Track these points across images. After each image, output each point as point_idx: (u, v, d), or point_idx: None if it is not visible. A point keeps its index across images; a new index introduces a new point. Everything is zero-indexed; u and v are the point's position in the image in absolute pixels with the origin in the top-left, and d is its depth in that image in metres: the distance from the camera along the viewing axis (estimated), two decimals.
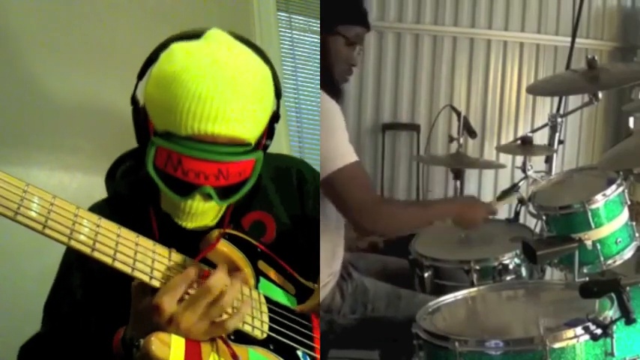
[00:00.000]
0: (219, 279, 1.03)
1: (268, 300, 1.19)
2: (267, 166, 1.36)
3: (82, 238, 0.97)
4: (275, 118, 1.24)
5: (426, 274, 1.76)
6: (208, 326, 1.03)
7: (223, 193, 1.16)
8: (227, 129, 1.09)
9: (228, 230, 1.21)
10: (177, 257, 1.09)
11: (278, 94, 1.24)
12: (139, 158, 1.26)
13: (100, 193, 1.38)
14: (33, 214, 0.93)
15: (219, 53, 1.13)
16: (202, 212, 1.21)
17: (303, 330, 1.21)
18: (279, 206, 1.37)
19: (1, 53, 1.82)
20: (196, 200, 1.17)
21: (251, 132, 1.15)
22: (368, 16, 1.66)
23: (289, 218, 1.37)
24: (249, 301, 1.11)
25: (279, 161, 1.43)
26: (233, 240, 1.20)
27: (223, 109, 1.09)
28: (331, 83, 1.60)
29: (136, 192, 1.27)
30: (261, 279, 1.21)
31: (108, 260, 0.99)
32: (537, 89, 2.35)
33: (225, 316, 1.05)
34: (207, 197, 1.15)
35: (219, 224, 1.27)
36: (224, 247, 1.18)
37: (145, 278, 1.02)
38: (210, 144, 1.09)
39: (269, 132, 1.23)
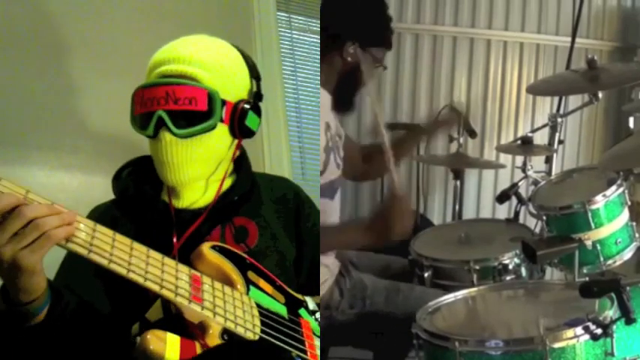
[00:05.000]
0: (34, 208, 0.96)
1: (259, 307, 1.21)
2: (266, 186, 1.47)
3: (80, 241, 1.01)
4: (258, 95, 1.40)
5: (425, 274, 1.76)
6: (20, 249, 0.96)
7: (178, 121, 1.25)
8: (177, 68, 1.26)
9: (218, 243, 1.26)
10: (169, 262, 1.12)
11: (255, 76, 1.40)
12: (142, 163, 1.37)
13: (100, 192, 1.38)
14: None
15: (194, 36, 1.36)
16: (179, 166, 1.27)
17: (294, 334, 1.22)
18: (275, 223, 1.42)
19: (1, 54, 1.82)
20: (161, 140, 1.25)
21: (206, 75, 1.27)
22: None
23: (286, 235, 1.42)
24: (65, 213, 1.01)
25: (276, 183, 1.53)
26: (223, 252, 1.24)
27: (176, 52, 1.28)
28: (350, 98, 1.66)
29: (141, 186, 1.34)
30: (252, 288, 1.24)
31: (104, 262, 1.02)
32: (537, 89, 2.35)
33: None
34: (163, 125, 1.24)
35: (209, 210, 1.31)
36: (215, 258, 1.22)
37: (140, 280, 1.05)
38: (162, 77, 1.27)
39: (254, 108, 1.35)
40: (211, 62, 1.30)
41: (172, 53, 1.29)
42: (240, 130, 1.33)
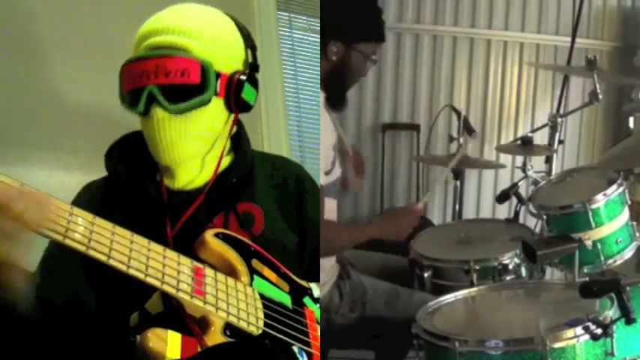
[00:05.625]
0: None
1: (263, 297, 1.20)
2: (264, 165, 1.40)
3: (77, 236, 0.98)
4: (253, 66, 1.32)
5: (425, 274, 1.76)
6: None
7: (170, 96, 1.19)
8: (166, 39, 1.20)
9: (222, 230, 1.22)
10: (171, 254, 1.10)
11: (250, 46, 1.33)
12: (136, 139, 1.30)
13: None
14: None
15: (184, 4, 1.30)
16: (173, 144, 1.22)
17: (298, 326, 1.21)
18: (273, 206, 1.37)
19: (0, 54, 1.82)
20: (153, 117, 1.19)
21: (198, 45, 1.21)
22: (384, 28, 1.67)
23: (285, 219, 1.37)
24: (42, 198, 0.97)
25: (276, 162, 1.46)
26: (227, 240, 1.21)
27: (165, 22, 1.22)
28: (342, 95, 1.64)
29: (134, 163, 1.29)
30: (256, 277, 1.21)
31: (103, 258, 0.99)
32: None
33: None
34: (154, 101, 1.18)
35: (207, 191, 1.27)
36: (218, 246, 1.19)
37: (140, 276, 1.02)
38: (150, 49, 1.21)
39: (250, 80, 1.28)
40: (203, 32, 1.23)
41: (161, 23, 1.22)
42: (236, 103, 1.26)
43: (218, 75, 1.22)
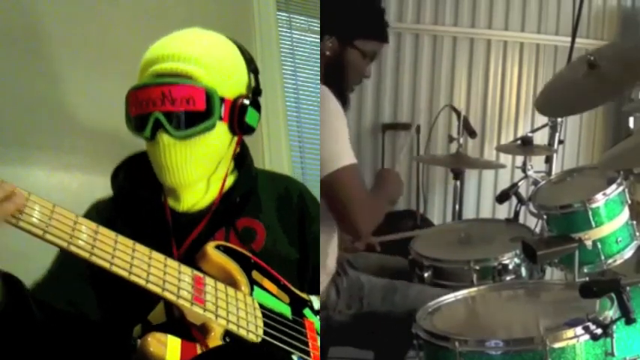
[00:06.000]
0: None
1: (263, 307, 1.21)
2: (268, 183, 1.43)
3: (81, 243, 1.00)
4: (256, 90, 1.36)
5: (425, 274, 1.77)
6: None
7: (176, 122, 1.22)
8: (171, 66, 1.22)
9: (222, 243, 1.25)
10: (172, 263, 1.11)
11: (253, 69, 1.37)
12: (140, 161, 1.32)
13: (100, 192, 1.38)
14: (34, 221, 0.97)
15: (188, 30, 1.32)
16: (179, 167, 1.24)
17: (298, 336, 1.21)
18: (275, 223, 1.38)
19: (1, 53, 1.82)
20: (159, 142, 1.22)
21: (202, 72, 1.24)
22: (387, 29, 1.64)
23: (287, 236, 1.39)
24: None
25: (280, 181, 1.49)
26: (227, 252, 1.23)
27: (170, 49, 1.24)
28: (341, 93, 1.61)
29: (139, 185, 1.31)
30: (256, 288, 1.23)
31: (106, 265, 1.01)
32: (544, 106, 2.23)
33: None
34: (160, 127, 1.21)
35: (212, 212, 1.29)
36: (219, 258, 1.21)
37: (142, 282, 1.04)
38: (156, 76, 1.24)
39: (253, 104, 1.32)
40: (207, 58, 1.25)
41: (166, 50, 1.25)
42: (240, 127, 1.29)
43: (222, 100, 1.25)
